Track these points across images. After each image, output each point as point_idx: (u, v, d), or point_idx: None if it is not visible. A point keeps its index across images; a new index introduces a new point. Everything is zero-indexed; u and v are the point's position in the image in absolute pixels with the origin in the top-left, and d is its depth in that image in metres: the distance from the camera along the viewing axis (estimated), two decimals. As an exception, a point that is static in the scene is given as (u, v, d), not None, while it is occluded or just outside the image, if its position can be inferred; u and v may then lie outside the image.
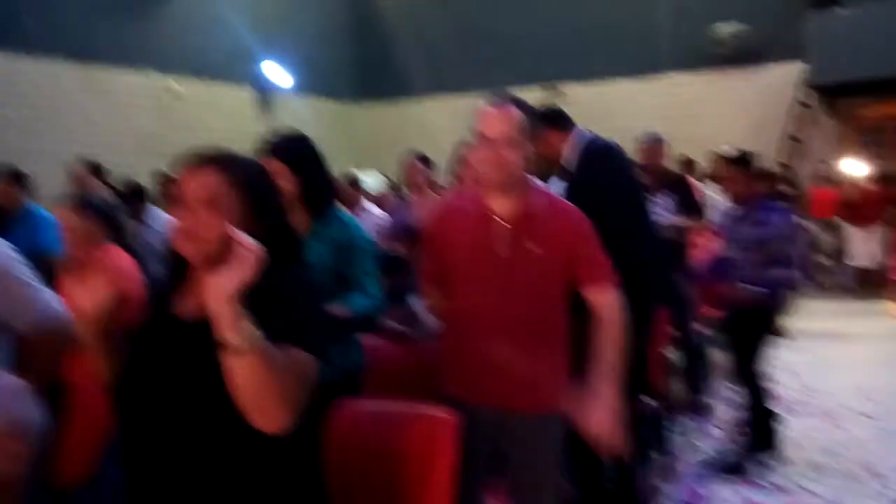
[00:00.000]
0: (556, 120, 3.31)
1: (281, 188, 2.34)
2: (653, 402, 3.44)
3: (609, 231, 3.02)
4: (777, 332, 4.14)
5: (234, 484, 1.47)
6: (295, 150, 2.52)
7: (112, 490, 1.57)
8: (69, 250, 3.19)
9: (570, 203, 2.34)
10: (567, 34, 11.89)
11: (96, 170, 6.27)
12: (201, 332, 1.37)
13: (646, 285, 3.18)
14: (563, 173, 3.24)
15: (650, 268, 3.25)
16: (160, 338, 1.54)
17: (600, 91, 11.41)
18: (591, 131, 3.29)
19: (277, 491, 1.51)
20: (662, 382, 3.57)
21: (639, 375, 3.22)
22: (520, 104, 2.20)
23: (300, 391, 1.41)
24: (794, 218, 4.26)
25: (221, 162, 1.54)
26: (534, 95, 3.67)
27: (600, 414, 2.09)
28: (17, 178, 5.49)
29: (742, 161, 4.20)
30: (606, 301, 2.24)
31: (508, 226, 2.20)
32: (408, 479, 1.85)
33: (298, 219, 2.47)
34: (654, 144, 5.33)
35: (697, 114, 11.15)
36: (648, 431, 3.49)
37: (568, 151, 3.22)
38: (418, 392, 2.24)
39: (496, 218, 2.21)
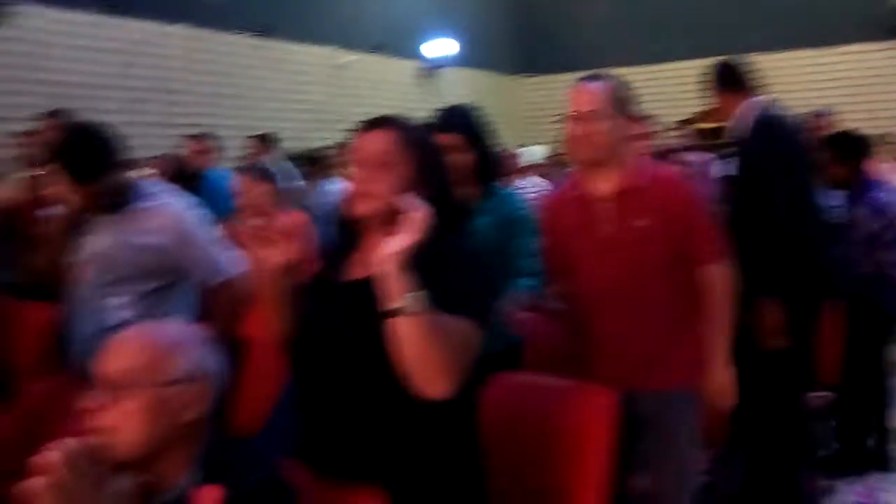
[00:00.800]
0: (730, 79, 3.13)
1: (456, 161, 2.38)
2: (820, 398, 3.24)
3: (779, 211, 2.85)
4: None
5: (393, 443, 1.50)
6: (473, 123, 2.55)
7: (282, 438, 1.66)
8: (248, 213, 3.39)
9: (679, 174, 2.26)
10: (736, 4, 11.21)
11: (269, 140, 6.61)
12: (367, 293, 1.40)
13: (816, 273, 2.97)
14: (733, 142, 3.06)
15: (822, 254, 3.04)
16: (329, 297, 1.59)
17: (770, 63, 10.70)
18: (767, 100, 3.08)
19: (435, 455, 1.53)
20: (834, 376, 3.33)
21: (805, 369, 3.03)
22: (613, 80, 2.17)
23: (463, 358, 1.42)
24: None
25: (395, 124, 1.57)
26: (699, 69, 3.48)
27: (715, 386, 2.19)
28: (207, 143, 5.91)
29: (839, 141, 3.71)
30: (716, 278, 2.19)
31: (609, 202, 2.16)
32: (563, 455, 1.82)
33: (465, 192, 2.49)
34: (822, 120, 4.97)
35: (876, 87, 10.24)
36: (815, 428, 3.29)
37: (739, 117, 3.03)
38: (576, 369, 2.22)
39: (596, 196, 2.18)
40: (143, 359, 1.28)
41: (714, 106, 3.27)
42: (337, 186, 5.27)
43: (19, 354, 2.93)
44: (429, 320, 1.34)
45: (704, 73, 3.26)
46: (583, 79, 2.19)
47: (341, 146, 6.06)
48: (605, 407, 1.83)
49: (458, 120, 2.51)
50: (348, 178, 1.59)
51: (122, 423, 1.24)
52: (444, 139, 2.25)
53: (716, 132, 3.39)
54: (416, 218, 1.35)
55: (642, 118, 3.05)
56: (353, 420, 1.52)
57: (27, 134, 4.04)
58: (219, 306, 2.42)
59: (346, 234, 1.64)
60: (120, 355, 1.29)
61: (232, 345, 2.19)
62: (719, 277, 2.19)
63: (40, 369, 2.68)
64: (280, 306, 1.61)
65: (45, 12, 6.83)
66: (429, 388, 1.39)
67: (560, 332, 2.55)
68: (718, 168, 3.77)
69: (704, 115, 4.47)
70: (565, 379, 2.03)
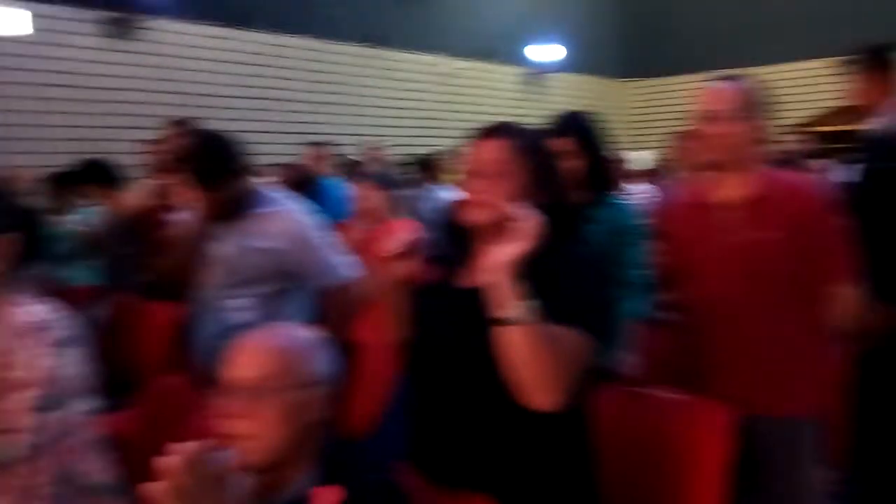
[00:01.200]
0: (880, 66, 2.84)
1: (569, 167, 2.36)
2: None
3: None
4: None
5: (503, 451, 1.50)
6: (588, 128, 2.53)
7: (395, 442, 1.67)
8: (364, 219, 3.47)
9: (814, 184, 2.11)
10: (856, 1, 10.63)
11: (353, 164, 6.65)
12: (478, 301, 1.40)
13: None
14: (873, 140, 2.85)
15: None
16: (441, 304, 1.59)
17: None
18: None
19: (546, 464, 1.51)
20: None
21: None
22: (748, 82, 2.07)
23: (572, 370, 1.40)
24: None
25: (510, 132, 1.56)
26: (812, 70, 3.25)
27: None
28: (324, 150, 6.08)
29: None
30: (842, 299, 2.03)
31: (733, 211, 2.05)
32: (678, 472, 1.77)
33: (578, 197, 2.46)
34: None
35: None
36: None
37: (886, 113, 2.81)
38: (688, 384, 2.15)
39: (719, 203, 2.07)
40: (276, 365, 1.30)
41: (846, 103, 3.02)
42: (447, 193, 5.31)
43: (145, 352, 3.07)
44: (537, 331, 1.33)
45: (845, 62, 2.98)
46: (717, 78, 2.11)
47: (452, 153, 6.10)
48: (723, 424, 1.77)
49: (574, 125, 2.50)
50: (459, 184, 1.59)
51: (258, 429, 1.26)
52: (558, 144, 2.23)
53: (839, 136, 3.16)
54: (528, 227, 1.34)
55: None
56: (464, 427, 1.52)
57: (155, 142, 4.24)
58: (333, 310, 2.48)
59: (458, 241, 1.64)
60: (252, 361, 1.30)
61: (345, 348, 2.23)
62: (846, 299, 2.05)
63: (165, 367, 2.80)
64: (398, 313, 1.63)
65: (172, 26, 7.21)
66: (536, 399, 1.38)
67: (673, 345, 2.48)
68: (841, 174, 3.57)
69: (825, 118, 4.24)
70: (678, 391, 1.97)
